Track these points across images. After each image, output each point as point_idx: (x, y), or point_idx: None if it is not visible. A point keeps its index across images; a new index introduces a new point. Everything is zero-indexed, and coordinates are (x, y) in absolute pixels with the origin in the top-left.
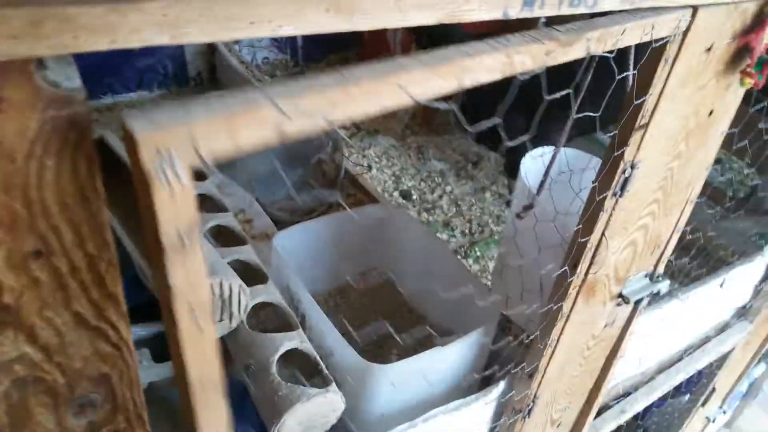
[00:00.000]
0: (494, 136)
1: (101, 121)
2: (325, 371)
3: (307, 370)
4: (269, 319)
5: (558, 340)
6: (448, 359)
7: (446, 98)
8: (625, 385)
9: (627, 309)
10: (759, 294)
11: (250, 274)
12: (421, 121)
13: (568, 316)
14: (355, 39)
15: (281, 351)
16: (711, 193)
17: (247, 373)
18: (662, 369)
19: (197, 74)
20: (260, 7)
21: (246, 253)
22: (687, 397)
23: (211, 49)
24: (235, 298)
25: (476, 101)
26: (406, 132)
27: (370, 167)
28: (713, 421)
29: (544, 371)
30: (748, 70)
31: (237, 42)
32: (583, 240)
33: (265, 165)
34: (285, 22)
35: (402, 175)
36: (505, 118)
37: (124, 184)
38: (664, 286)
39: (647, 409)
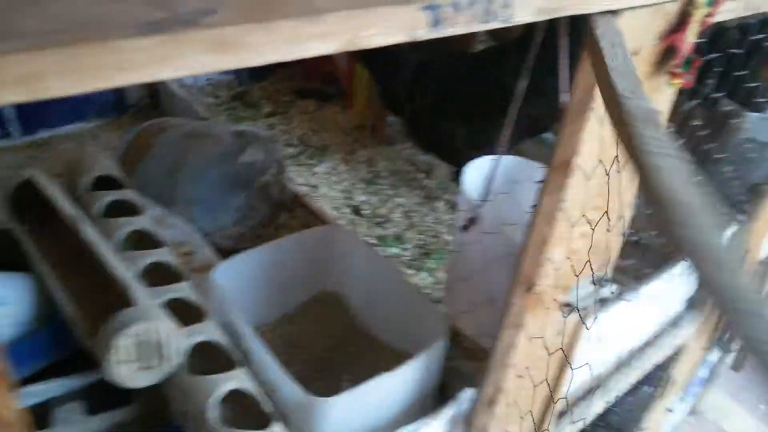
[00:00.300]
0: (442, 145)
1: (39, 157)
2: (268, 410)
3: (251, 410)
4: (210, 359)
5: (509, 353)
6: (398, 383)
7: (394, 111)
8: (583, 389)
9: (575, 317)
10: None
11: (189, 312)
12: (369, 134)
13: (518, 328)
14: None
15: (219, 393)
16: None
17: (184, 419)
18: (619, 368)
19: (137, 101)
20: (133, 53)
21: (183, 290)
22: (646, 389)
23: None
24: (168, 341)
25: (423, 111)
26: (355, 146)
27: (313, 186)
28: (673, 411)
29: (499, 385)
30: (675, 70)
31: None
32: (527, 251)
33: (208, 192)
34: (161, 67)
35: (352, 190)
36: (452, 127)
37: (54, 228)
38: (609, 290)
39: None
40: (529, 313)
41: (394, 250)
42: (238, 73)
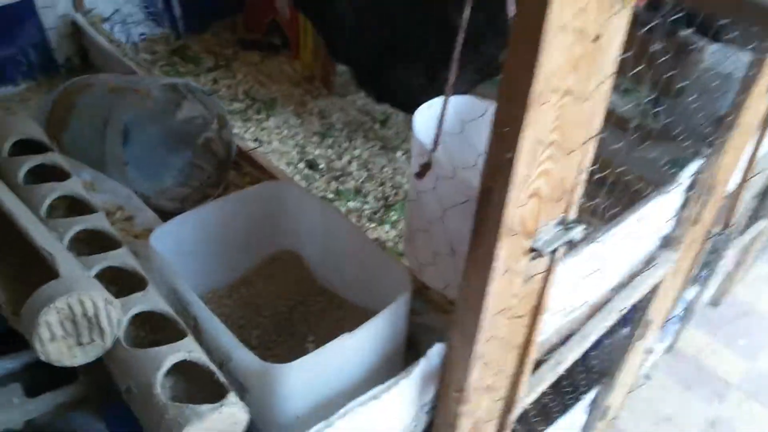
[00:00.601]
0: (393, 92)
1: None
2: (222, 380)
3: (202, 381)
4: (156, 330)
5: (477, 303)
6: (362, 343)
7: (342, 59)
8: (559, 335)
9: (543, 261)
10: (679, 222)
11: (128, 281)
12: (319, 84)
13: (484, 277)
14: (238, 4)
15: (166, 366)
16: (616, 121)
17: (129, 396)
18: (594, 312)
19: (66, 60)
20: None
21: (119, 257)
22: (625, 330)
23: (77, 31)
24: (102, 313)
25: (369, 59)
26: (306, 98)
27: (258, 141)
28: (653, 352)
29: (468, 337)
30: None
31: (106, 20)
32: (484, 195)
33: (142, 151)
34: None
35: (306, 144)
36: (400, 72)
37: None
38: (577, 232)
39: (586, 351)
40: (492, 260)
41: (354, 204)
42: (173, 26)
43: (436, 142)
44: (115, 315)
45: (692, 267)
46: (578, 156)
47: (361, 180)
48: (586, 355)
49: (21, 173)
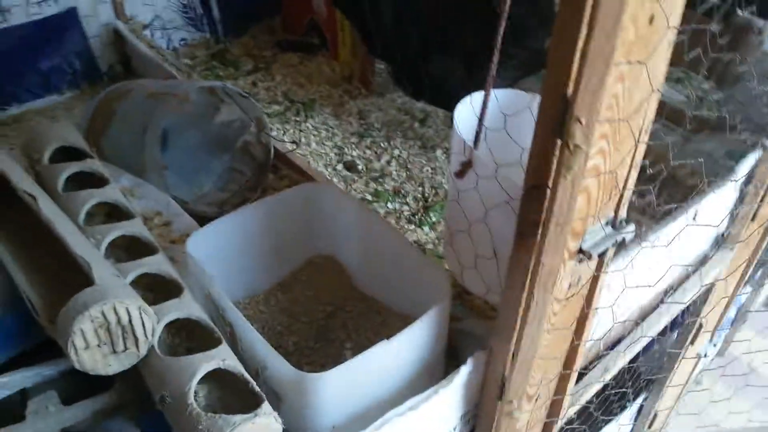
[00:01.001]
0: (434, 89)
1: (8, 135)
2: (256, 389)
3: (236, 390)
4: (191, 338)
5: (521, 309)
6: (399, 351)
7: (380, 56)
8: (605, 342)
9: (591, 264)
10: (736, 219)
11: (164, 288)
12: (359, 84)
13: (528, 281)
14: (276, 6)
15: (199, 375)
16: (669, 114)
17: (163, 405)
18: (644, 315)
19: (109, 67)
20: None
21: (155, 264)
22: (674, 334)
23: (119, 39)
24: (137, 321)
25: (410, 56)
26: (344, 98)
27: (296, 143)
28: (705, 356)
29: (511, 344)
30: None
31: (146, 26)
32: (529, 193)
33: (181, 156)
34: None
35: (344, 145)
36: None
37: (12, 208)
38: (628, 232)
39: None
40: (536, 263)
41: (393, 206)
42: (212, 30)
43: (476, 139)
44: (150, 323)
45: (748, 267)
46: (630, 149)
47: (400, 181)
48: (633, 361)
49: (61, 180)
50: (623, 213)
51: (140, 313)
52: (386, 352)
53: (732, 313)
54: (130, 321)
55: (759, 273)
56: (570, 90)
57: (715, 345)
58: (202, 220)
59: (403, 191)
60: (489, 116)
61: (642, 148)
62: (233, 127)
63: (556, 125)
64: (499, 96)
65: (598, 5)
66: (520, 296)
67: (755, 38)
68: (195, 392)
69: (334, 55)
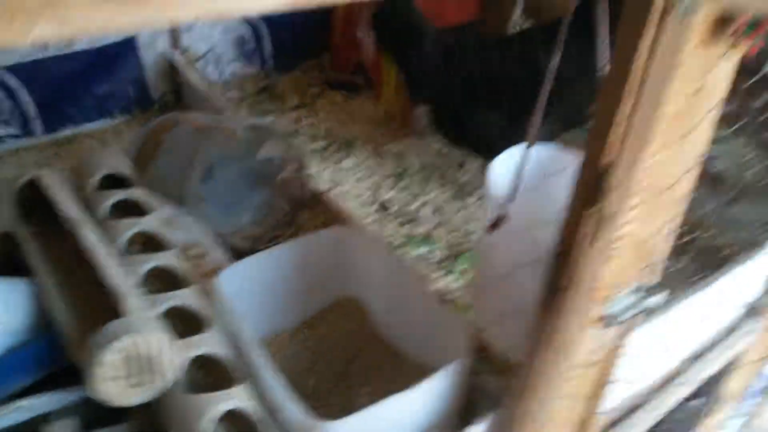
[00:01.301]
0: (474, 136)
1: (61, 156)
2: None
3: (250, 430)
4: (211, 374)
5: (532, 371)
6: (415, 404)
7: (422, 100)
8: (623, 407)
9: (615, 329)
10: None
11: (192, 322)
12: (399, 125)
13: (548, 343)
14: (325, 43)
15: (212, 414)
16: (709, 181)
17: None
18: (665, 383)
19: (161, 96)
20: None
21: (185, 297)
22: (694, 404)
23: (172, 69)
24: (159, 355)
25: (451, 99)
26: (384, 139)
27: (333, 182)
28: (725, 429)
29: (524, 406)
30: (738, 32)
31: (200, 58)
32: (556, 258)
33: (222, 189)
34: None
35: (380, 185)
36: (483, 116)
37: (57, 232)
38: (658, 300)
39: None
40: (561, 326)
41: (422, 250)
42: (263, 64)
43: (511, 195)
44: (173, 358)
45: None
46: (665, 217)
47: (432, 226)
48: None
49: (105, 207)
50: (653, 280)
51: (164, 348)
52: (401, 404)
53: (762, 383)
54: (154, 354)
55: None
56: (608, 159)
57: (737, 415)
58: (237, 254)
59: (433, 236)
60: (528, 171)
61: (678, 219)
62: (274, 164)
63: (591, 192)
64: (539, 152)
65: (647, 77)
66: (537, 360)
67: None
68: (215, 430)
69: (378, 95)
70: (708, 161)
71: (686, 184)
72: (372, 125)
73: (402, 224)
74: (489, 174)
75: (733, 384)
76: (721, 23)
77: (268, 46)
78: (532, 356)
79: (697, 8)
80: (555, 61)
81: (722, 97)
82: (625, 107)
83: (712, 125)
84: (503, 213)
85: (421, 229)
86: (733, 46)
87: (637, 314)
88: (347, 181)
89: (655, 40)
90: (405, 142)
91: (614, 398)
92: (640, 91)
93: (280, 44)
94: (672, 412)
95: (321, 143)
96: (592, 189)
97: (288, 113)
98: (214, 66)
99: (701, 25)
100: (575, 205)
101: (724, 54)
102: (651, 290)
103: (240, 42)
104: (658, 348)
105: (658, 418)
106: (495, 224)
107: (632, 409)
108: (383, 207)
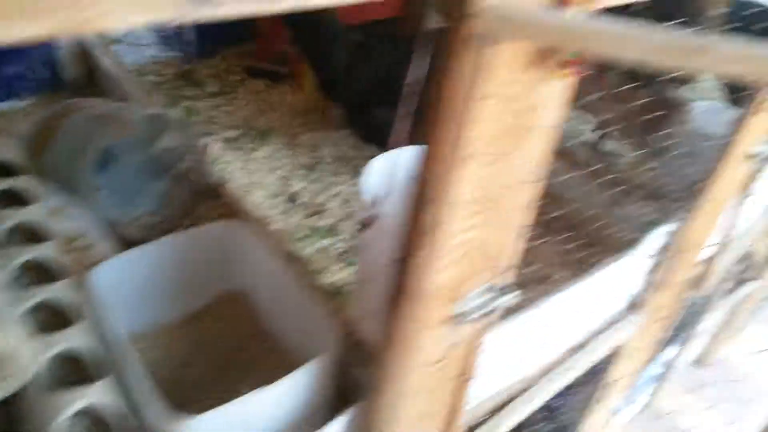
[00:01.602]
0: (380, 134)
1: None
2: (129, 429)
3: (112, 428)
4: (75, 370)
5: (387, 366)
6: (280, 397)
7: (332, 97)
8: (496, 400)
9: (470, 327)
10: (646, 286)
11: (62, 317)
12: (319, 117)
13: (395, 340)
14: (250, 31)
15: (69, 411)
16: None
17: None
18: (549, 370)
19: (73, 79)
20: None
21: (56, 291)
22: (586, 391)
23: (86, 51)
24: (12, 352)
25: (359, 98)
26: (301, 129)
27: (240, 171)
28: (619, 412)
29: (386, 400)
30: (561, 61)
31: (117, 41)
32: (398, 260)
33: (117, 179)
34: None
35: (291, 176)
36: (388, 115)
37: None
38: (506, 300)
39: (554, 409)
40: (406, 325)
41: (325, 242)
42: (183, 49)
43: (379, 198)
44: (29, 355)
45: (662, 330)
46: (511, 221)
47: (338, 218)
48: (544, 416)
49: None
50: (506, 281)
51: (18, 345)
52: (264, 400)
53: (656, 369)
54: (6, 352)
55: (683, 333)
56: (427, 172)
57: (631, 400)
58: (131, 244)
59: (338, 229)
60: (404, 172)
61: (526, 224)
62: (175, 153)
63: (417, 203)
64: (411, 154)
65: (458, 97)
66: (389, 356)
67: (681, 114)
68: (70, 428)
69: (300, 85)
70: (611, 159)
71: (526, 193)
72: (290, 116)
73: (308, 216)
74: (362, 176)
75: (618, 372)
76: (544, 53)
77: (189, 31)
78: (385, 352)
79: (497, 41)
80: (419, 65)
81: (558, 113)
82: (441, 130)
83: (549, 139)
84: (373, 214)
85: (327, 221)
86: (560, 69)
87: (488, 313)
88: (258, 172)
89: (462, 64)
90: (322, 134)
91: (490, 388)
92: (452, 112)
93: (203, 30)
94: (566, 399)
95: (236, 132)
96: (416, 200)
97: (206, 100)
98: (132, 49)
99: (517, 52)
100: (407, 214)
101: (550, 77)
102: (503, 290)
103: (159, 26)
104: (537, 340)
105: (537, 408)
106: (364, 225)
107: (513, 397)
108: (291, 199)
